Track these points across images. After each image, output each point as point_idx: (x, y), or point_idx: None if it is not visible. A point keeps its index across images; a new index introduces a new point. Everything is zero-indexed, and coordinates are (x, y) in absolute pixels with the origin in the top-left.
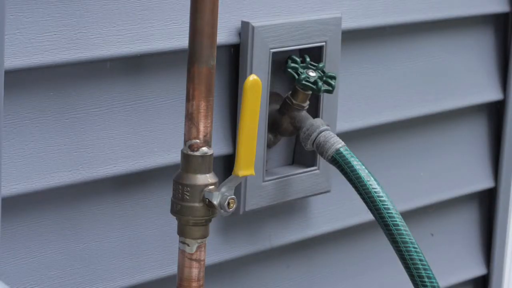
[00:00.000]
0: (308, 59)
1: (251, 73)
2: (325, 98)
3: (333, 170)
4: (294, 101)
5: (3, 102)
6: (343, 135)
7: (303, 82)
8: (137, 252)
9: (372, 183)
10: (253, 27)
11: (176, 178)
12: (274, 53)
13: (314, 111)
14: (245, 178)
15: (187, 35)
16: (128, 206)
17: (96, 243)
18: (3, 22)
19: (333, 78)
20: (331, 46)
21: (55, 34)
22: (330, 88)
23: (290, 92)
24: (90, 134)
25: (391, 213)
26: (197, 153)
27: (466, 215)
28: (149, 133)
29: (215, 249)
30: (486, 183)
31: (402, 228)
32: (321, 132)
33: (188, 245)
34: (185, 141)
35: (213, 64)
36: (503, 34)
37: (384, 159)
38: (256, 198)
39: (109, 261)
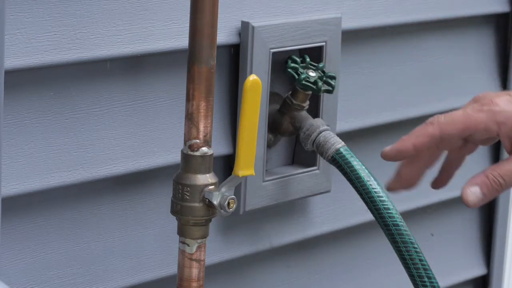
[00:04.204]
0: (308, 59)
1: (251, 73)
2: (325, 98)
3: (333, 170)
4: (294, 101)
5: (3, 102)
6: (343, 135)
7: (303, 82)
8: (137, 252)
9: (372, 183)
10: (253, 27)
11: (176, 178)
12: (274, 53)
13: (314, 111)
14: (245, 178)
15: (187, 35)
16: (128, 206)
17: (96, 243)
18: (3, 22)
19: (333, 78)
20: (331, 46)
21: (55, 34)
22: (330, 88)
23: (290, 92)
24: (90, 134)
25: (391, 213)
26: (197, 153)
27: (466, 215)
28: (149, 133)
29: (215, 249)
30: None
31: (402, 228)
32: (321, 132)
33: (188, 245)
34: (185, 141)
35: (213, 64)
36: (503, 34)
37: None
38: (256, 198)
39: (109, 261)
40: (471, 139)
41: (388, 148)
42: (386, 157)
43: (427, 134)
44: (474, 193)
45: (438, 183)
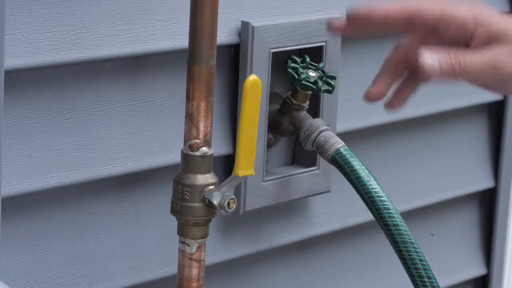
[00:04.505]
0: (308, 59)
1: (251, 73)
2: (325, 98)
3: (333, 170)
4: (294, 101)
5: (3, 102)
6: (343, 135)
7: (303, 82)
8: (137, 252)
9: (372, 183)
10: (253, 27)
11: (176, 178)
12: (274, 53)
13: (314, 111)
14: (245, 178)
15: (187, 35)
16: (128, 206)
17: (96, 243)
18: (3, 22)
19: (333, 78)
20: (331, 46)
21: (55, 34)
22: (330, 88)
23: (290, 92)
24: (90, 134)
25: (391, 213)
26: (197, 153)
27: (466, 215)
28: (149, 133)
29: (215, 249)
30: (486, 183)
31: (402, 228)
32: (321, 132)
33: (188, 245)
34: (185, 141)
35: (213, 64)
36: None
37: (384, 159)
38: (256, 198)
39: (109, 261)
40: (438, 38)
41: (358, 9)
42: (353, 15)
43: (402, 5)
44: (432, 59)
45: (390, 105)
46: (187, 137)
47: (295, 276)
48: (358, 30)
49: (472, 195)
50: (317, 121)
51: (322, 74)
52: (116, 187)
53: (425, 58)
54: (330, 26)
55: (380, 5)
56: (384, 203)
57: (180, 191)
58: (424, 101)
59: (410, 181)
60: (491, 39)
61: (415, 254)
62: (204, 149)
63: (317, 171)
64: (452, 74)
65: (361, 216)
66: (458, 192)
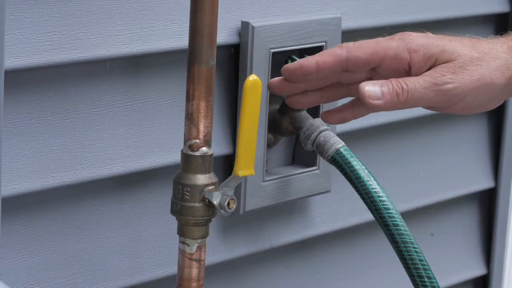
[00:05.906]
0: None
1: (251, 73)
2: None
3: (333, 170)
4: None
5: (3, 102)
6: (343, 135)
7: None
8: (137, 252)
9: (372, 183)
10: (253, 27)
11: (176, 178)
12: (274, 53)
13: (314, 111)
14: (245, 178)
15: (187, 35)
16: (128, 206)
17: (96, 243)
18: (3, 22)
19: None
20: (331, 46)
21: (55, 34)
22: None
23: None
24: (90, 134)
25: (391, 213)
26: (197, 153)
27: (466, 215)
28: (149, 133)
29: (215, 249)
30: (486, 183)
31: (402, 228)
32: (321, 132)
33: (188, 245)
34: (185, 141)
35: (213, 64)
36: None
37: (384, 159)
38: (256, 198)
39: (109, 261)
40: (377, 75)
41: (290, 63)
42: (287, 72)
43: (332, 54)
44: (373, 87)
45: (325, 116)
46: (187, 137)
47: (295, 276)
48: (295, 86)
49: (472, 195)
50: (317, 121)
51: None
52: (116, 187)
53: (366, 87)
54: (269, 87)
55: (310, 57)
56: (384, 203)
57: (180, 191)
58: None
59: (410, 181)
60: (429, 62)
61: (415, 254)
62: (204, 149)
63: (317, 171)
64: (396, 99)
65: (361, 216)
66: (458, 192)
